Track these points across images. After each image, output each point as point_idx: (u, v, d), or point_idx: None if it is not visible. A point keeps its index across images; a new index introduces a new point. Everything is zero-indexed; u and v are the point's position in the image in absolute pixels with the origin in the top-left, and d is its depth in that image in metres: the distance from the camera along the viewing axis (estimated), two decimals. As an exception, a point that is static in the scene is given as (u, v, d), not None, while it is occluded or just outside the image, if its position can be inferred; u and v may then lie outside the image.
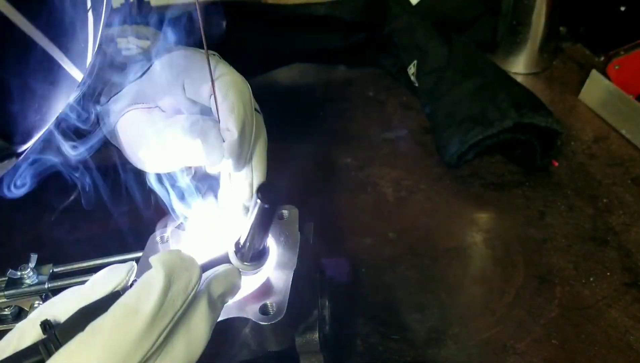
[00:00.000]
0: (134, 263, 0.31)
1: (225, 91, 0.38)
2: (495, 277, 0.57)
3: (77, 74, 0.31)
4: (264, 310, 0.37)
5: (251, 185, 0.40)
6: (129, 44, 0.89)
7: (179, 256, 0.29)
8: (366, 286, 0.57)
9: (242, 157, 0.39)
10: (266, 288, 0.39)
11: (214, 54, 0.42)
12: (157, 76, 0.43)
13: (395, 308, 0.54)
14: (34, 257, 0.46)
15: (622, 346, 0.50)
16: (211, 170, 0.42)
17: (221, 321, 0.37)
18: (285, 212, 0.45)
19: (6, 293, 0.45)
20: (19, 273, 0.45)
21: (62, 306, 0.29)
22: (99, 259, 0.47)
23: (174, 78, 0.42)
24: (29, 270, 0.45)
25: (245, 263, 0.35)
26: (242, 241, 0.35)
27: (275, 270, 0.40)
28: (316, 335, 0.41)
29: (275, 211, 0.32)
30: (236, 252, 0.35)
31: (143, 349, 0.26)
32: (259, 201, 0.31)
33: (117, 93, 0.44)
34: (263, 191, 0.31)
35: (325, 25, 0.89)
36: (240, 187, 0.40)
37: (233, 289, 0.33)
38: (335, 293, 0.52)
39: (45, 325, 0.27)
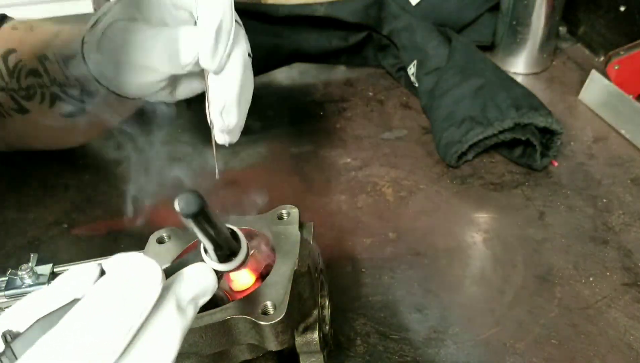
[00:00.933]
0: (96, 265, 0.28)
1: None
2: (495, 277, 0.57)
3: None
4: (263, 310, 0.37)
5: (224, 88, 0.42)
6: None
7: (136, 259, 0.27)
8: (366, 286, 0.57)
9: (217, 55, 0.40)
10: (266, 288, 0.39)
11: None
12: None
13: (395, 308, 0.54)
14: (34, 257, 0.46)
15: (622, 346, 0.50)
16: (189, 69, 0.43)
17: (221, 321, 0.37)
18: (285, 212, 0.45)
19: (6, 293, 0.45)
20: (19, 273, 0.45)
21: (25, 315, 0.27)
22: (98, 259, 0.47)
23: None
24: (29, 270, 0.45)
25: (220, 262, 0.32)
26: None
27: (275, 270, 0.40)
28: (316, 335, 0.41)
29: (204, 215, 0.27)
30: (205, 251, 0.32)
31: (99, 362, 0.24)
32: (187, 217, 0.26)
33: (103, 14, 0.45)
34: (181, 202, 0.26)
35: (325, 25, 0.89)
36: (215, 91, 0.42)
37: (205, 290, 0.30)
38: (335, 293, 0.52)
39: (6, 337, 0.26)
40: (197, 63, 0.43)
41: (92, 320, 0.25)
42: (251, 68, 0.45)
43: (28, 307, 0.28)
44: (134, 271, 0.26)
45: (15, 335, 0.26)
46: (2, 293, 0.44)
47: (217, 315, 0.37)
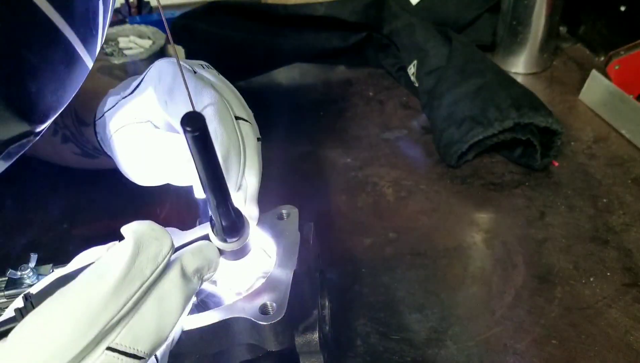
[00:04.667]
0: (115, 242, 0.31)
1: (208, 120, 0.38)
2: (495, 277, 0.57)
3: (89, 61, 0.32)
4: (263, 310, 0.37)
5: (245, 195, 0.40)
6: (130, 43, 0.89)
7: (150, 226, 0.30)
8: (366, 286, 0.57)
9: (231, 179, 0.39)
10: (266, 288, 0.39)
11: (201, 65, 0.43)
12: (146, 93, 0.43)
13: (395, 308, 0.54)
14: (34, 257, 0.46)
15: (622, 346, 0.50)
16: (200, 195, 0.41)
17: (221, 321, 0.37)
18: (285, 212, 0.45)
19: (6, 293, 0.45)
20: (18, 273, 0.45)
21: (44, 282, 0.30)
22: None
23: (160, 98, 0.42)
24: (28, 270, 0.45)
25: (226, 238, 0.34)
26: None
27: (275, 270, 0.40)
28: (316, 335, 0.41)
29: (205, 139, 0.28)
30: (212, 227, 0.34)
31: (109, 312, 0.27)
32: (187, 132, 0.27)
33: (111, 108, 0.45)
34: (187, 120, 0.27)
35: (325, 25, 0.89)
36: (236, 201, 0.40)
37: (210, 264, 0.33)
38: (335, 293, 0.52)
39: (26, 296, 0.28)
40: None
41: (104, 276, 0.27)
42: (260, 151, 0.43)
43: (49, 277, 0.31)
44: (147, 236, 0.29)
45: (34, 296, 0.28)
46: (2, 293, 0.44)
47: (217, 315, 0.37)
